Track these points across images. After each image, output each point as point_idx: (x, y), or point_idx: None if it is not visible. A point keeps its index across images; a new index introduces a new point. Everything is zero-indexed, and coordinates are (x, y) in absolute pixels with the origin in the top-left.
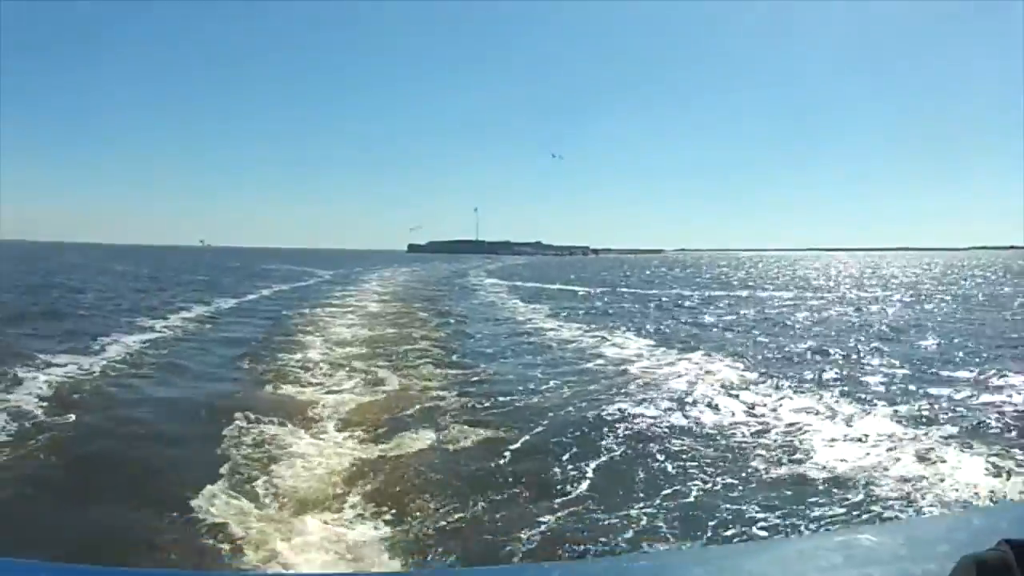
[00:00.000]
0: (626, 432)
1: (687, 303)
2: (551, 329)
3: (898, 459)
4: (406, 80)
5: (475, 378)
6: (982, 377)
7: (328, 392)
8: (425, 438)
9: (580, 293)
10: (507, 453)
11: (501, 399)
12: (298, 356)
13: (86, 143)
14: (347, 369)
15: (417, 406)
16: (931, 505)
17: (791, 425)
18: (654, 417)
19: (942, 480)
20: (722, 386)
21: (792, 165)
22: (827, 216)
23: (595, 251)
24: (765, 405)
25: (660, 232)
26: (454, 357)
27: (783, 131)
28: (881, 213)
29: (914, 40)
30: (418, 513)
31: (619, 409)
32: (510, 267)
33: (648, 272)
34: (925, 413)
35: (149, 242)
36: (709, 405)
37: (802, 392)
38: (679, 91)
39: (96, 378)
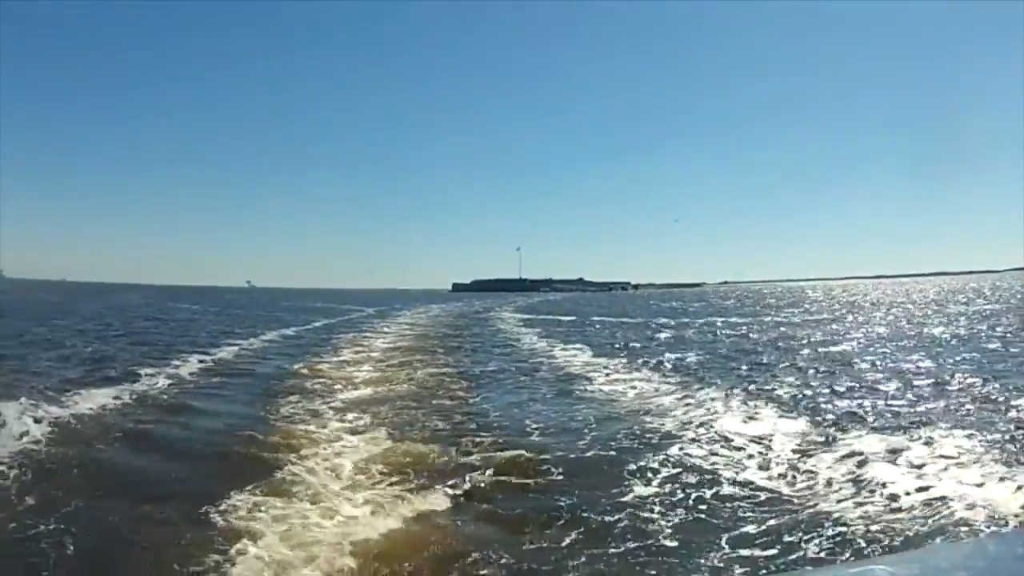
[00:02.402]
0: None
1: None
2: (534, 342)
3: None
4: (448, 122)
5: (465, 375)
6: None
7: (357, 372)
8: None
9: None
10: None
11: (484, 395)
12: (342, 357)
13: (127, 184)
14: (372, 365)
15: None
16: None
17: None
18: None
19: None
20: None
21: (831, 192)
22: (869, 242)
23: (635, 286)
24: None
25: (703, 265)
26: (451, 361)
27: (825, 158)
28: (917, 237)
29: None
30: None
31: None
32: (539, 303)
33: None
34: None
35: (196, 283)
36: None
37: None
38: (715, 125)
39: (214, 367)
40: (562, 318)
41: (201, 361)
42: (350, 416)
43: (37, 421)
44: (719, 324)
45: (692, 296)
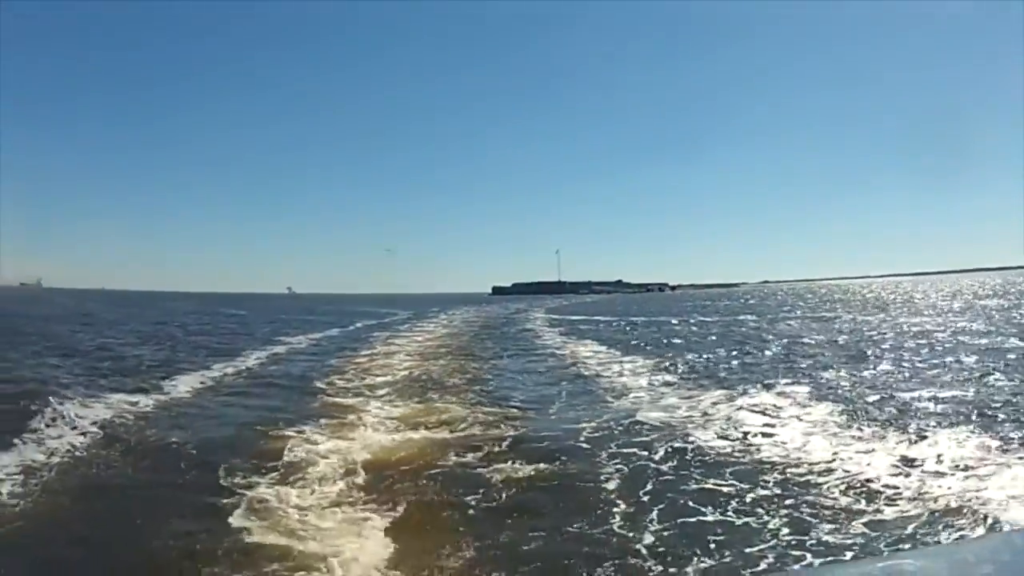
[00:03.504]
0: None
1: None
2: (550, 335)
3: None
4: (488, 129)
5: (481, 358)
6: None
7: (389, 362)
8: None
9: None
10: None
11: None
12: (378, 350)
13: (162, 193)
14: (404, 356)
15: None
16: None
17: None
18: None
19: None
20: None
21: (872, 193)
22: (909, 241)
23: (672, 287)
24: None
25: (742, 265)
26: (474, 351)
27: (863, 160)
28: (958, 235)
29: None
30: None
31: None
32: (569, 305)
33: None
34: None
35: (236, 290)
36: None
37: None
38: (753, 127)
39: (280, 357)
40: (583, 317)
41: (260, 356)
42: (382, 392)
43: (146, 393)
44: (710, 320)
45: (718, 296)
